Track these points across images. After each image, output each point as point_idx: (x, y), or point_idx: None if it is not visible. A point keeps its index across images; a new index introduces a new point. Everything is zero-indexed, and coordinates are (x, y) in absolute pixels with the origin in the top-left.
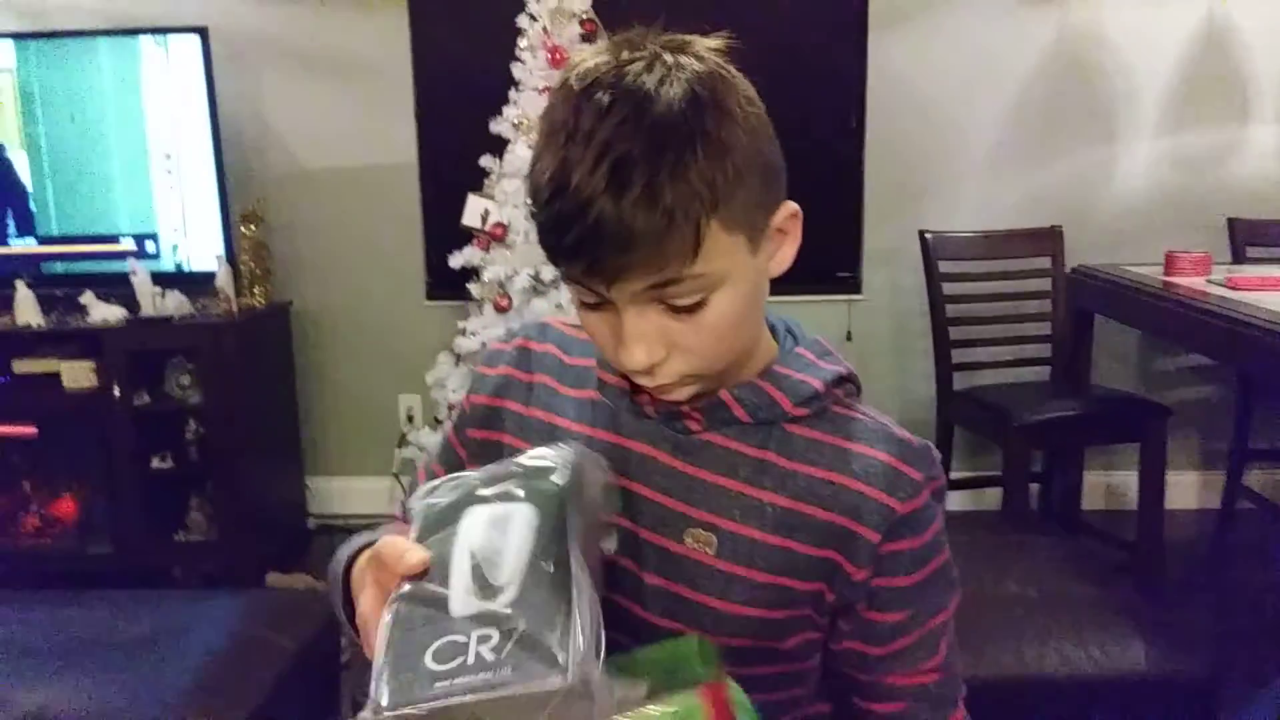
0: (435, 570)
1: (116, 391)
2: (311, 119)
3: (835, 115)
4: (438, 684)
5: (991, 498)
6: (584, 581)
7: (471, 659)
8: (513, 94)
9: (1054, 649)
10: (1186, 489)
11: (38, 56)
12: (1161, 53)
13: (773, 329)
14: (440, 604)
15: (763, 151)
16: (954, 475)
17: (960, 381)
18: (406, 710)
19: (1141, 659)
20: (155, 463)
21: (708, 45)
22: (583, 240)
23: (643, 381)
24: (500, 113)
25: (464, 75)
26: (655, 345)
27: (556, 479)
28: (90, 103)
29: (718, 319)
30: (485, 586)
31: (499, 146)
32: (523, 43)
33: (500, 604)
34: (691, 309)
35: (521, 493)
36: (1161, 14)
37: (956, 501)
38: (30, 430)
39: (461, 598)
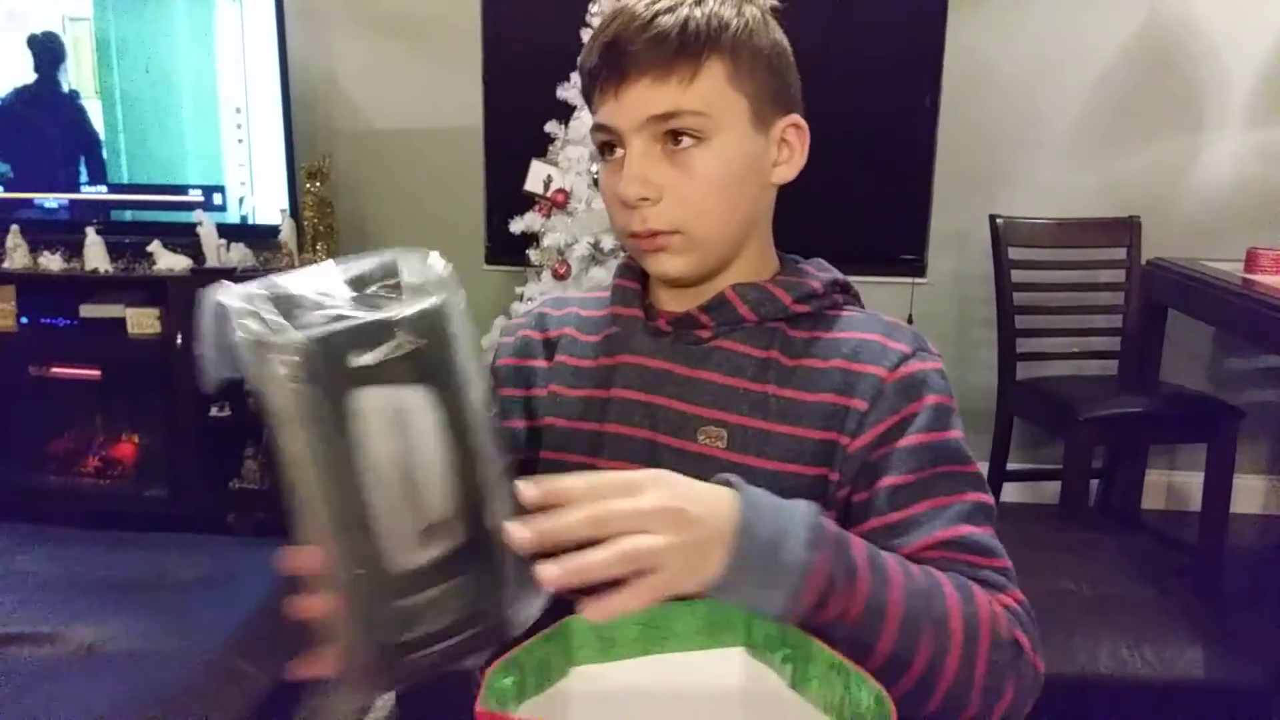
0: (339, 495)
1: (179, 339)
2: (380, 79)
3: (910, 94)
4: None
5: (1049, 491)
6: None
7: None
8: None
9: (1106, 650)
10: (1253, 493)
11: (115, 7)
12: (1254, 42)
13: (782, 260)
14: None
15: (782, 60)
16: (1011, 467)
17: (1024, 372)
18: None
19: (1198, 665)
20: (214, 411)
21: None
22: (614, 38)
23: (636, 228)
24: (568, 79)
25: (533, 40)
26: (650, 182)
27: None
28: (164, 54)
29: (708, 170)
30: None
31: (565, 113)
32: (593, 8)
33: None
34: (688, 150)
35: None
36: (1256, 1)
37: (1013, 494)
38: (94, 373)
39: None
